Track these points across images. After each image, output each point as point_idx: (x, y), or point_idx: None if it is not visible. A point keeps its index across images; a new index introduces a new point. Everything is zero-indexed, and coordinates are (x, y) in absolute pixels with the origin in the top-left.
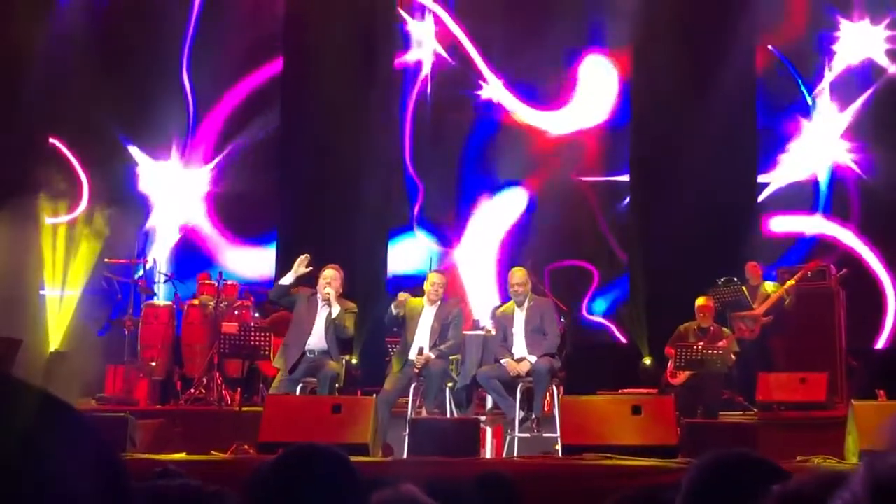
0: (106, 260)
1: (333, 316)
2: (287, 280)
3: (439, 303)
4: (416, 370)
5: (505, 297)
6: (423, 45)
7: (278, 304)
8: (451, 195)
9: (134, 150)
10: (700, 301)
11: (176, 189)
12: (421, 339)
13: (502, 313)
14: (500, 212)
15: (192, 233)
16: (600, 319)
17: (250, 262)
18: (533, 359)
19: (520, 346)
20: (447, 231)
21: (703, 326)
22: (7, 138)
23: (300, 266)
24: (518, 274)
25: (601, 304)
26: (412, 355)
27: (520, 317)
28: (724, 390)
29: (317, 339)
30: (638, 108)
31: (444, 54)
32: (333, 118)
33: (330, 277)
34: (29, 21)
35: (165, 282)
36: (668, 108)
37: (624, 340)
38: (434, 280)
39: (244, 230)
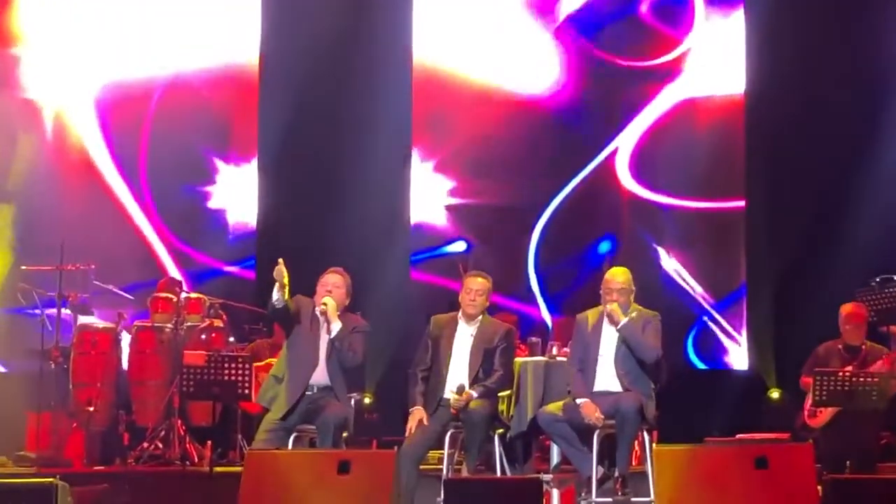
0: (22, 267)
1: (332, 334)
2: (277, 300)
3: (481, 318)
4: (454, 412)
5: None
6: None
7: (283, 326)
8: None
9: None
10: (847, 309)
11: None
12: (458, 370)
13: (586, 323)
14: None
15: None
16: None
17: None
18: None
19: (606, 375)
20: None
21: (853, 345)
22: None
23: (280, 276)
24: (620, 276)
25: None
26: (447, 393)
27: (612, 334)
28: (883, 433)
29: (319, 370)
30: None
31: None
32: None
33: (331, 284)
34: None
35: (102, 295)
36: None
37: (743, 367)
38: (472, 286)
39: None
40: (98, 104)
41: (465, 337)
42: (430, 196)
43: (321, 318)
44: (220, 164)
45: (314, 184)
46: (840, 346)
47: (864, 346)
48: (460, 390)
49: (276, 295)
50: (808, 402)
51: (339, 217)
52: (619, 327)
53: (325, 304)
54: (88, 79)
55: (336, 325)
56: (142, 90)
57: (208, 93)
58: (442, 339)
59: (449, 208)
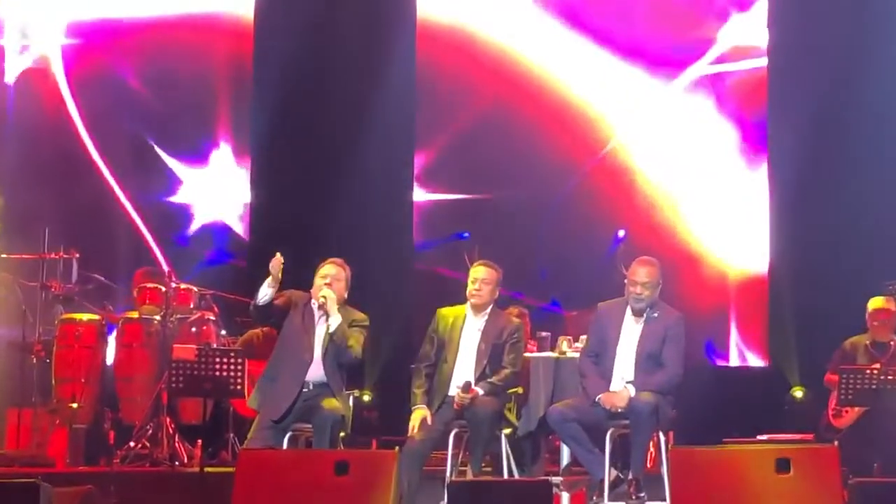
0: (2, 255)
1: (331, 329)
2: (265, 295)
3: (489, 311)
4: (457, 407)
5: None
6: None
7: (265, 324)
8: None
9: None
10: (876, 303)
11: None
12: (464, 365)
13: (607, 315)
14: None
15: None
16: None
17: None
18: (634, 390)
19: (624, 374)
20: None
21: (881, 341)
22: None
23: (277, 269)
24: (646, 269)
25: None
26: (452, 389)
27: (633, 330)
28: None
29: (314, 366)
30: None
31: None
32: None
33: (330, 276)
34: None
35: (90, 287)
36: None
37: (763, 364)
38: (476, 276)
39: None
40: (68, 65)
41: (472, 331)
42: (434, 182)
43: (317, 312)
44: (208, 142)
45: (311, 167)
46: (867, 343)
47: (892, 343)
48: (466, 388)
49: (265, 290)
50: (833, 401)
51: (337, 202)
52: (626, 408)
53: (324, 297)
54: (61, 28)
55: (335, 320)
56: (122, 46)
57: (197, 65)
58: (448, 333)
59: (455, 193)
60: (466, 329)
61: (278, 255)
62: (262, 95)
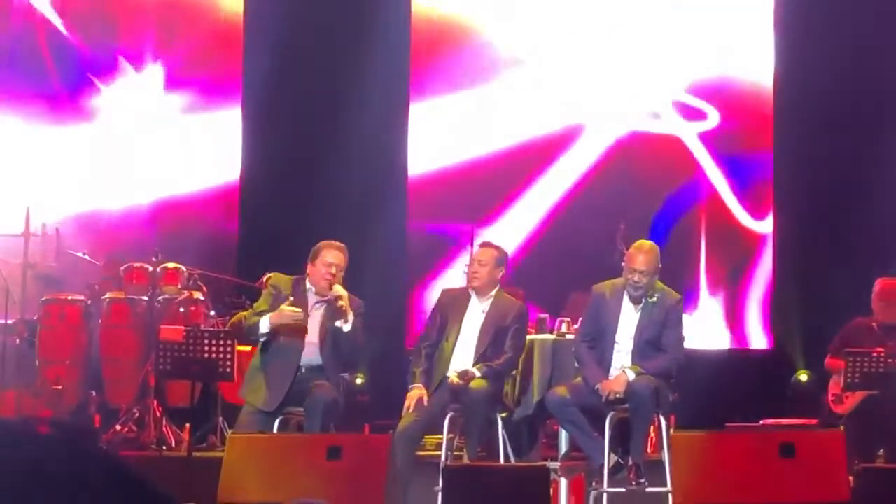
0: None
1: (347, 328)
2: (265, 329)
3: (494, 293)
4: (452, 385)
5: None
6: None
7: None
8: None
9: None
10: (883, 283)
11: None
12: (465, 348)
13: (604, 297)
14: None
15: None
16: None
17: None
18: (633, 375)
19: (623, 359)
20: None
21: (888, 323)
22: None
23: (289, 319)
24: (644, 255)
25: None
26: (451, 370)
27: (631, 318)
28: None
29: (308, 349)
30: None
31: None
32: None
33: (336, 266)
34: None
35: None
36: None
37: (766, 346)
38: (475, 257)
39: None
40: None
41: (476, 314)
42: (430, 157)
43: (312, 296)
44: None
45: (302, 139)
46: (874, 325)
47: None
48: (463, 374)
49: (265, 325)
50: (834, 386)
51: (329, 179)
52: (626, 391)
53: (341, 296)
54: None
55: (351, 317)
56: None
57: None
58: (451, 314)
59: (452, 167)
60: (470, 310)
61: (299, 311)
62: (254, 70)
